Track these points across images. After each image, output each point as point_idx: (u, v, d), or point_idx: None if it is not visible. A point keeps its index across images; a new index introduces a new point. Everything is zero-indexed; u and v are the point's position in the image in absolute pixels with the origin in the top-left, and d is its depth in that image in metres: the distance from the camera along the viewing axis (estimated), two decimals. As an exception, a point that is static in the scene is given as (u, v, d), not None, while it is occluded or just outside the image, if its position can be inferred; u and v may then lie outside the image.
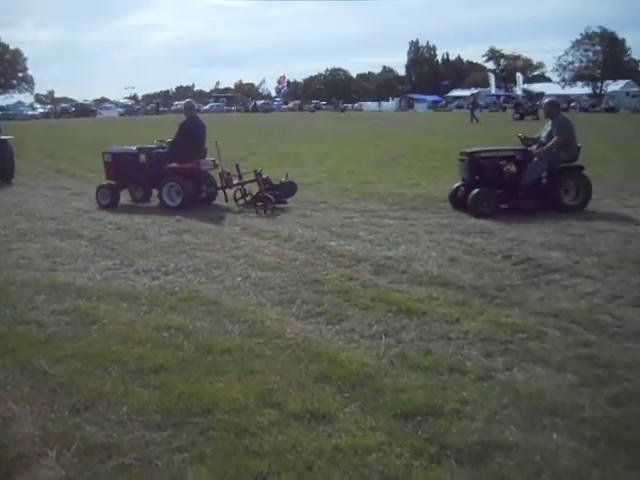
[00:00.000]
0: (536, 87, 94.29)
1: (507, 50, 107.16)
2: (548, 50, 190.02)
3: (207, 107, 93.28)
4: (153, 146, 11.21)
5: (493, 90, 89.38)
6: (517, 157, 9.74)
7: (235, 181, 10.69)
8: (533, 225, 8.39)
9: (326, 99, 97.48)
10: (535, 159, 9.52)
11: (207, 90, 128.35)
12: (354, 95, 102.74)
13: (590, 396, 3.73)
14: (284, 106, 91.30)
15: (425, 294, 5.62)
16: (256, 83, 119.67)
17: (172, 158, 10.54)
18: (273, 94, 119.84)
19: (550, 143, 9.50)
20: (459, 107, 75.29)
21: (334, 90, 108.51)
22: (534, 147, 9.73)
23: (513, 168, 9.75)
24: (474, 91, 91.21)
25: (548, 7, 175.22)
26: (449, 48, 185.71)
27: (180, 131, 10.72)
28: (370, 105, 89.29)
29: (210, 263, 6.87)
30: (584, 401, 3.66)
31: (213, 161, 10.89)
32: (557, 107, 10.28)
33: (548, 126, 9.87)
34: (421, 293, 5.65)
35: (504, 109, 71.91)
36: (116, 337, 4.73)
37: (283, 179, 10.54)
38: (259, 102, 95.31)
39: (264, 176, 10.45)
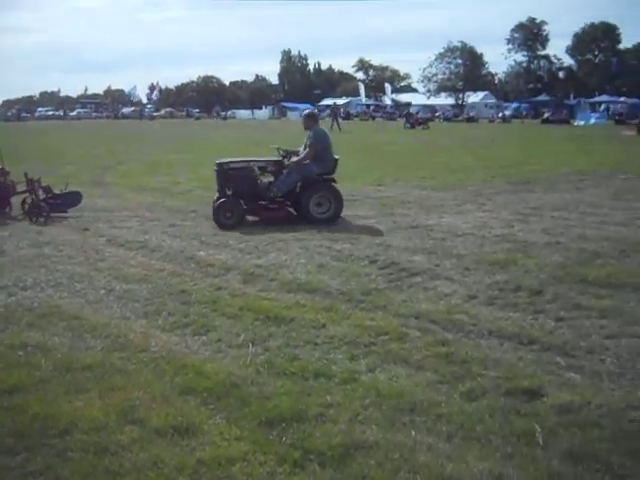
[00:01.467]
0: (404, 97, 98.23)
1: (376, 61, 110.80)
2: (414, 62, 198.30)
3: (74, 113, 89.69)
4: None
5: (363, 99, 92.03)
6: (269, 168, 9.72)
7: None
8: (398, 230, 8.69)
9: (199, 107, 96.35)
10: (285, 171, 9.51)
11: (74, 96, 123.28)
12: (227, 103, 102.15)
13: (447, 392, 3.91)
14: (155, 113, 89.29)
15: (293, 301, 5.67)
16: (126, 89, 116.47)
17: None
18: (144, 101, 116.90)
19: (301, 155, 9.55)
20: (330, 116, 76.74)
21: (207, 98, 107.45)
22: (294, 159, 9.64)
23: (271, 179, 9.66)
24: (346, 100, 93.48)
25: (413, 21, 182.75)
26: (321, 58, 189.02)
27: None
28: (243, 113, 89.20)
29: (72, 277, 6.58)
30: (441, 398, 3.83)
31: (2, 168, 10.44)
32: (313, 119, 10.17)
33: (306, 138, 9.87)
34: (289, 300, 5.70)
35: (373, 118, 74.25)
36: (-36, 359, 4.43)
37: (63, 188, 10.28)
38: (129, 109, 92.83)
39: (43, 184, 10.17)
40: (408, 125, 48.40)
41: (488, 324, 5.05)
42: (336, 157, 9.79)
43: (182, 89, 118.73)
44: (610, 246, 7.57)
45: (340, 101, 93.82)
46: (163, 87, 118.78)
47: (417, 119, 50.72)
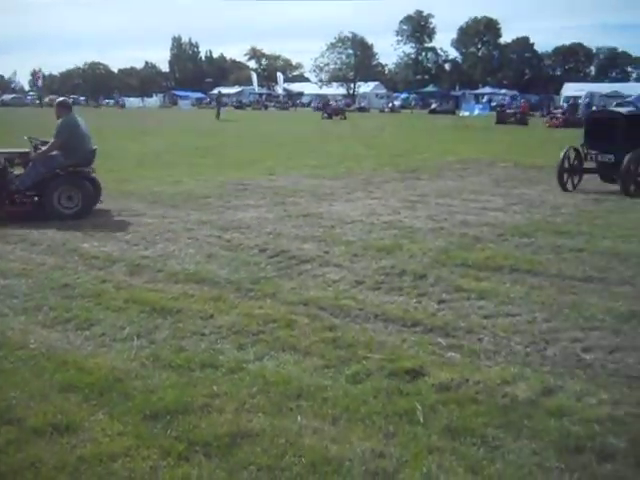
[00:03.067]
0: (296, 86, 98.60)
1: (268, 50, 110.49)
2: (306, 52, 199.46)
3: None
4: None
5: (256, 89, 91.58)
6: (17, 160, 9.11)
7: None
8: (289, 219, 8.74)
9: (86, 94, 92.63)
10: (31, 163, 8.92)
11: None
12: (116, 90, 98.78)
13: (333, 377, 3.97)
14: (38, 101, 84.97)
15: (181, 292, 5.58)
16: (6, 75, 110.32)
17: None
18: (26, 88, 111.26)
19: (46, 146, 8.96)
20: (223, 105, 75.94)
21: (94, 85, 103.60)
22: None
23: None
24: (238, 89, 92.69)
25: (304, 11, 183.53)
26: (212, 46, 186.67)
27: None
28: (133, 101, 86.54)
29: (-57, 273, 6.19)
30: (327, 382, 3.89)
31: None
32: (65, 107, 9.29)
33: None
34: (177, 291, 5.61)
35: (266, 107, 74.14)
36: None
37: None
38: (9, 96, 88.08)
39: None
40: (326, 115, 48.41)
41: (374, 308, 5.17)
42: (94, 147, 9.18)
43: (67, 76, 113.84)
44: (489, 231, 7.94)
45: (232, 90, 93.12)
46: (47, 74, 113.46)
47: (334, 109, 50.86)
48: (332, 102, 60.29)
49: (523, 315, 5.03)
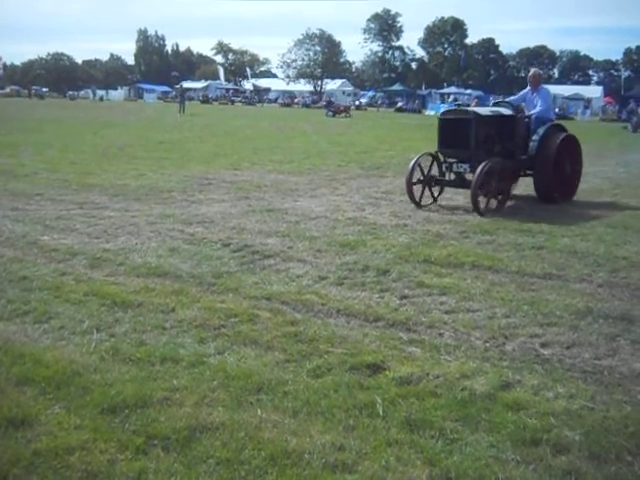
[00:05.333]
0: (263, 82, 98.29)
1: (235, 44, 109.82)
2: (273, 47, 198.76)
3: None
4: None
5: (223, 83, 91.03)
6: None
7: None
8: (253, 214, 8.70)
9: (48, 85, 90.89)
10: None
11: None
12: (80, 82, 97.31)
13: (294, 371, 3.97)
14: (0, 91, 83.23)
15: (142, 285, 5.52)
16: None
17: None
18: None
19: None
20: (190, 99, 75.43)
21: (57, 76, 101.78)
22: None
23: None
24: (205, 84, 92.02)
25: (272, 5, 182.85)
26: (179, 39, 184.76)
27: None
28: (98, 93, 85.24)
29: None
30: (288, 376, 3.89)
31: None
32: None
33: None
34: (138, 285, 5.54)
35: (233, 102, 73.76)
36: None
37: None
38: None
39: None
40: (330, 114, 47.95)
41: (337, 303, 5.19)
42: None
43: (29, 66, 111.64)
44: (452, 228, 8.02)
45: (199, 84, 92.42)
46: (8, 63, 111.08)
47: (338, 107, 50.49)
48: (334, 100, 60.06)
49: (483, 311, 5.10)
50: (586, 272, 6.18)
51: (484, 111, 10.13)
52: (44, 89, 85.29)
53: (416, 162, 9.73)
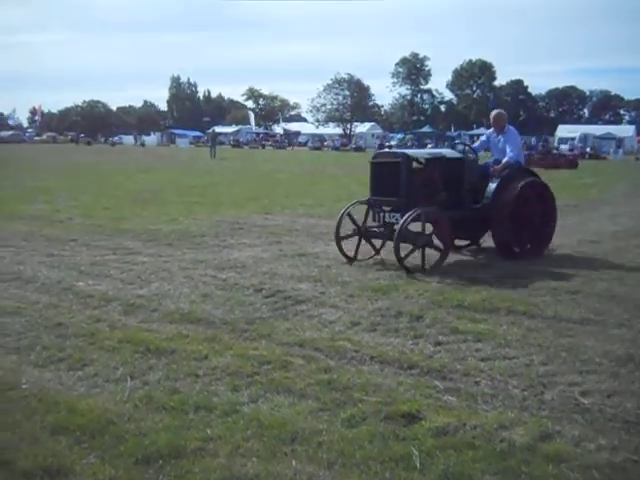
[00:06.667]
0: (293, 126, 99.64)
1: (266, 90, 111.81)
2: (303, 92, 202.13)
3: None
4: None
5: (253, 128, 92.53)
6: None
7: None
8: (285, 258, 8.73)
9: (84, 132, 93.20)
10: None
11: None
12: (114, 128, 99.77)
13: (328, 420, 3.92)
14: (37, 138, 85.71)
15: (175, 332, 5.54)
16: (5, 112, 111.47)
17: None
18: (25, 125, 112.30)
19: None
20: (221, 143, 76.75)
21: (92, 123, 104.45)
22: None
23: None
24: (235, 128, 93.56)
25: (302, 52, 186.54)
26: (210, 85, 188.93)
27: None
28: (131, 139, 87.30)
29: None
30: (322, 425, 3.84)
31: None
32: None
33: None
34: (171, 331, 5.56)
35: (264, 146, 74.86)
36: None
37: None
38: (7, 133, 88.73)
39: None
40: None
41: (370, 350, 5.13)
42: None
43: (66, 114, 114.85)
44: (486, 273, 7.92)
45: (230, 129, 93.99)
46: (46, 111, 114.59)
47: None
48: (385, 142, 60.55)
49: (520, 358, 5.00)
50: (625, 317, 6.04)
51: (419, 153, 9.18)
52: (81, 135, 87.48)
53: (345, 211, 8.82)
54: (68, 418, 3.88)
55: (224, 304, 6.41)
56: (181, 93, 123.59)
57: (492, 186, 8.83)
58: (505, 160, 9.16)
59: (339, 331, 5.63)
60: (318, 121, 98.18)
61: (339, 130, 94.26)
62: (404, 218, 7.91)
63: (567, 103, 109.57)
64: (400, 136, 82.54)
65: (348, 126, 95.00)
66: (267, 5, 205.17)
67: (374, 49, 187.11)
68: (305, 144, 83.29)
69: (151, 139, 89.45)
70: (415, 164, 8.75)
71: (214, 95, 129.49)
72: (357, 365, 4.85)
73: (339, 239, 8.68)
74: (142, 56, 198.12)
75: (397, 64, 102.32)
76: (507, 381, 4.55)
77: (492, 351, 5.14)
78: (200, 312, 6.11)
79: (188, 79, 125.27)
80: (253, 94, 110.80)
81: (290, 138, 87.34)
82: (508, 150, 9.21)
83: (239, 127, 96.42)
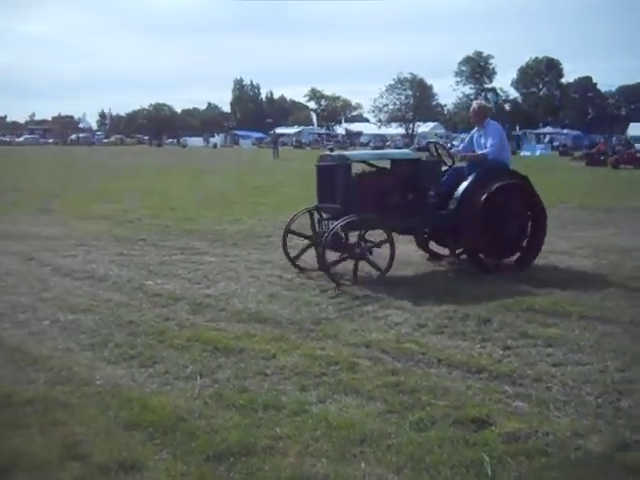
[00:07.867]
0: (355, 126, 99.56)
1: (328, 91, 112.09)
2: (365, 92, 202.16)
3: (21, 139, 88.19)
4: None
5: (315, 128, 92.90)
6: None
7: None
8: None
9: (150, 134, 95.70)
10: None
11: (22, 122, 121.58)
12: (179, 131, 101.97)
13: (396, 423, 3.89)
14: (105, 140, 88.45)
15: (243, 331, 5.60)
16: (76, 116, 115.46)
17: None
18: (94, 127, 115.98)
19: None
20: (283, 144, 77.29)
21: (158, 125, 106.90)
22: None
23: None
24: (298, 129, 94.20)
25: (364, 53, 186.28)
26: (273, 87, 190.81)
27: None
28: (196, 141, 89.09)
29: (15, 307, 6.39)
30: (391, 428, 3.81)
31: None
32: None
33: None
34: (239, 330, 5.63)
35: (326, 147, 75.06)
36: None
37: None
38: (81, 135, 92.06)
39: None
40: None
41: (437, 352, 5.07)
42: None
43: (133, 116, 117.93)
44: (557, 275, 7.72)
45: (292, 130, 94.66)
46: (114, 114, 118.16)
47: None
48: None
49: (594, 364, 4.85)
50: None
51: (363, 156, 8.59)
52: (145, 137, 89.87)
53: (292, 220, 8.24)
54: (141, 414, 3.97)
55: (290, 304, 6.45)
56: (244, 95, 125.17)
57: (460, 189, 7.86)
58: (481, 152, 8.31)
59: (405, 333, 5.59)
60: (380, 121, 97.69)
61: (401, 130, 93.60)
62: (334, 225, 7.35)
63: (639, 100, 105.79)
64: (464, 135, 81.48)
65: (410, 126, 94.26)
66: (330, 5, 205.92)
67: (437, 48, 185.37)
68: (367, 144, 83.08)
69: (215, 140, 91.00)
70: (366, 168, 8.18)
71: (276, 96, 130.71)
72: (424, 368, 4.79)
73: (285, 248, 8.15)
74: (206, 58, 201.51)
75: (460, 63, 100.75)
76: (580, 387, 4.42)
77: (564, 356, 5.00)
78: (267, 312, 6.16)
79: (251, 81, 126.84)
80: (315, 95, 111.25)
81: (352, 138, 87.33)
82: (488, 144, 8.26)
83: (301, 128, 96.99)
